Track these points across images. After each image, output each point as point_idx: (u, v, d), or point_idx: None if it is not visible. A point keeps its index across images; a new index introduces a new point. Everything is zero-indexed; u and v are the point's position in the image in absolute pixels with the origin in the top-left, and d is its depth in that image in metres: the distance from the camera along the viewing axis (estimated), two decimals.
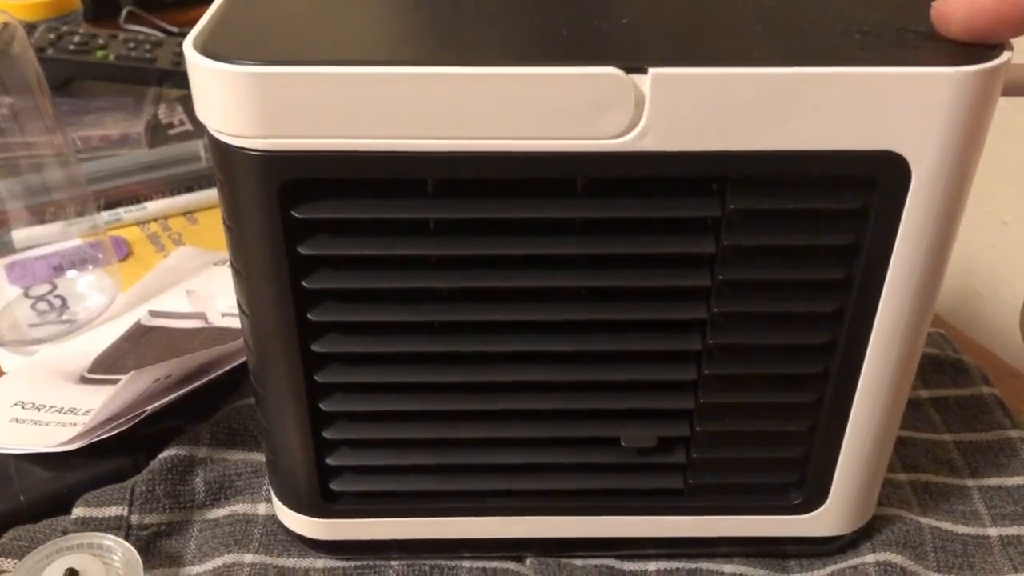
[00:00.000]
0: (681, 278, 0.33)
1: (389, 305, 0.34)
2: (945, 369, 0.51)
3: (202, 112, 0.30)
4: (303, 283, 0.33)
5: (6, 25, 0.50)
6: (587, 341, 0.35)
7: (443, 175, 0.31)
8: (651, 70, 0.29)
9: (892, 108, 0.29)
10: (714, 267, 0.33)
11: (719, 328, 0.34)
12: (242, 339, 0.50)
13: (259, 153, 0.30)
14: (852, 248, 0.32)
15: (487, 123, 0.29)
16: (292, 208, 0.31)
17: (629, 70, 0.29)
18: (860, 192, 0.31)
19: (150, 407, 0.43)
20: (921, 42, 0.30)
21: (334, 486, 0.39)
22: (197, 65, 0.29)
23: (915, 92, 0.29)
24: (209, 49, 0.29)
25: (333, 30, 0.31)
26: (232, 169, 0.31)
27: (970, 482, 0.45)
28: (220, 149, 0.31)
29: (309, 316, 0.34)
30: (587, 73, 0.29)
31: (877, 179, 0.31)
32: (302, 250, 0.32)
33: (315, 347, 0.34)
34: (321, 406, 0.36)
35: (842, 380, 0.35)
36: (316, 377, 0.35)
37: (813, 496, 0.39)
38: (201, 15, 0.32)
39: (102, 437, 0.43)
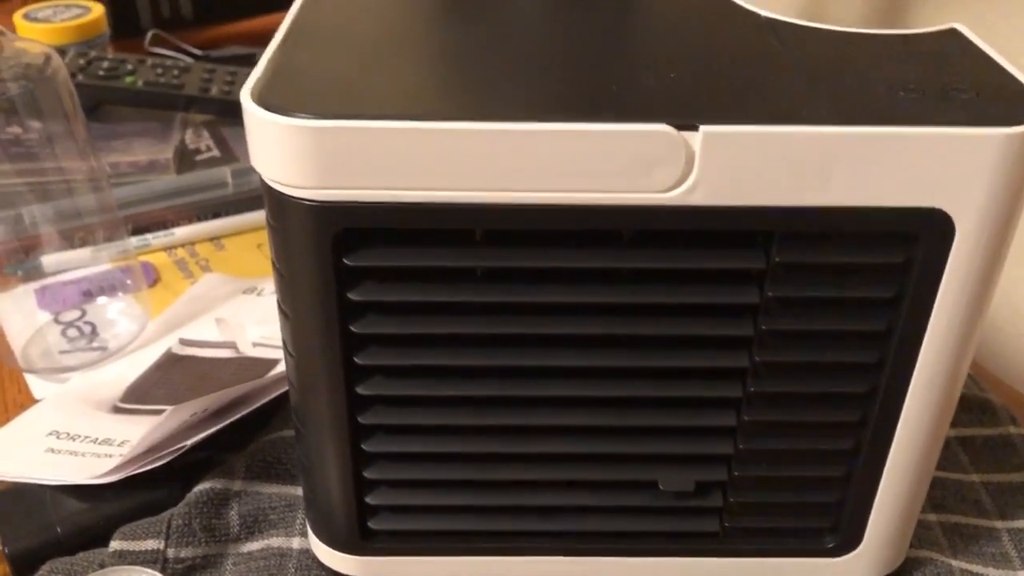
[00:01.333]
0: (724, 327, 0.34)
1: (434, 349, 0.34)
2: (972, 408, 0.52)
3: (258, 161, 0.31)
4: (351, 328, 0.33)
5: (48, 57, 0.51)
6: (629, 386, 0.35)
7: (492, 226, 0.31)
8: (702, 128, 0.29)
9: (937, 166, 0.30)
10: (757, 317, 0.33)
11: (760, 376, 0.34)
12: (274, 371, 0.50)
13: (314, 203, 0.30)
14: (894, 301, 0.33)
15: (538, 176, 0.30)
16: (344, 256, 0.32)
17: (680, 127, 0.29)
18: (904, 247, 0.32)
19: (188, 441, 0.44)
20: (966, 100, 0.30)
21: (372, 524, 0.39)
22: (255, 116, 0.30)
23: (960, 152, 0.29)
24: (266, 101, 0.30)
25: (385, 81, 0.31)
26: (286, 217, 0.31)
27: (999, 524, 0.45)
28: (275, 197, 0.31)
29: (356, 360, 0.34)
30: (639, 130, 0.29)
31: (921, 235, 0.31)
32: (352, 296, 0.33)
33: (360, 390, 0.35)
34: (363, 446, 0.37)
35: (880, 428, 0.36)
36: (359, 418, 0.36)
37: (847, 540, 0.39)
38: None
39: (140, 471, 0.43)
